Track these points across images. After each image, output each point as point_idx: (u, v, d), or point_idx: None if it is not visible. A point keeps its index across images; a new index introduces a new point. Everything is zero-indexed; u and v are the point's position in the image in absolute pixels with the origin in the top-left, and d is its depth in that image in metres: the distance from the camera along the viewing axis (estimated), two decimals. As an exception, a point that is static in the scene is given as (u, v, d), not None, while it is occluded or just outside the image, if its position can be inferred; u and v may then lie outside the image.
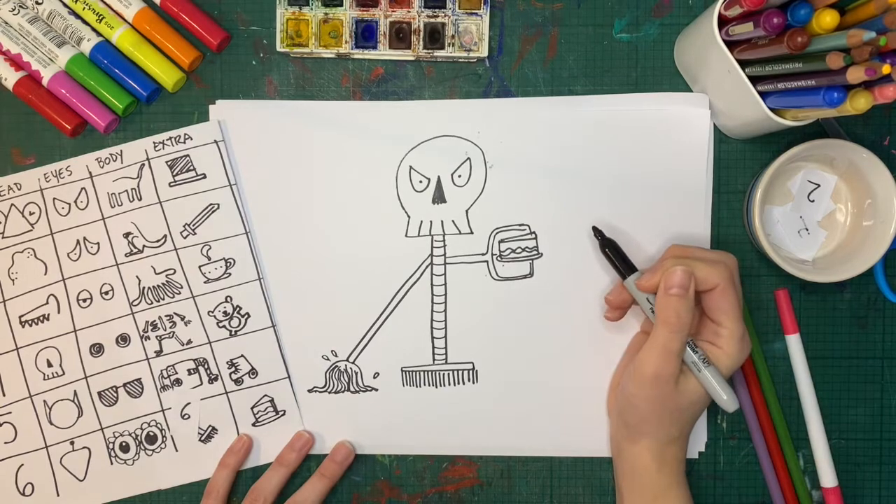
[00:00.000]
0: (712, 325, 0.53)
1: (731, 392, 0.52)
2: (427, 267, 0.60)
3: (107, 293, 0.60)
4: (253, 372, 0.60)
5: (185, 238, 0.59)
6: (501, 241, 0.59)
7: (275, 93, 0.60)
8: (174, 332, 0.60)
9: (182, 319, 0.59)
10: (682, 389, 0.52)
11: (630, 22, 0.59)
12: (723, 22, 0.51)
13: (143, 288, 0.59)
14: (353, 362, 0.60)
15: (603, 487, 0.60)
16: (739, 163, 0.59)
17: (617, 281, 0.57)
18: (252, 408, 0.60)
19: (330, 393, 0.60)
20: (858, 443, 0.60)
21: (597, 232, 0.57)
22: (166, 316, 0.60)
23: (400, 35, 0.58)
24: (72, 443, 0.60)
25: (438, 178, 0.59)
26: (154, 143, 0.60)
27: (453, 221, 0.60)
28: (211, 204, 0.59)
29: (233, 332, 0.60)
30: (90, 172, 0.60)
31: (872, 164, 0.55)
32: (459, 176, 0.59)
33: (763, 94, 0.51)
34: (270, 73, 0.60)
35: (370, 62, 0.60)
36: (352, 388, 0.60)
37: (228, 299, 0.60)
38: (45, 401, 0.60)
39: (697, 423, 0.59)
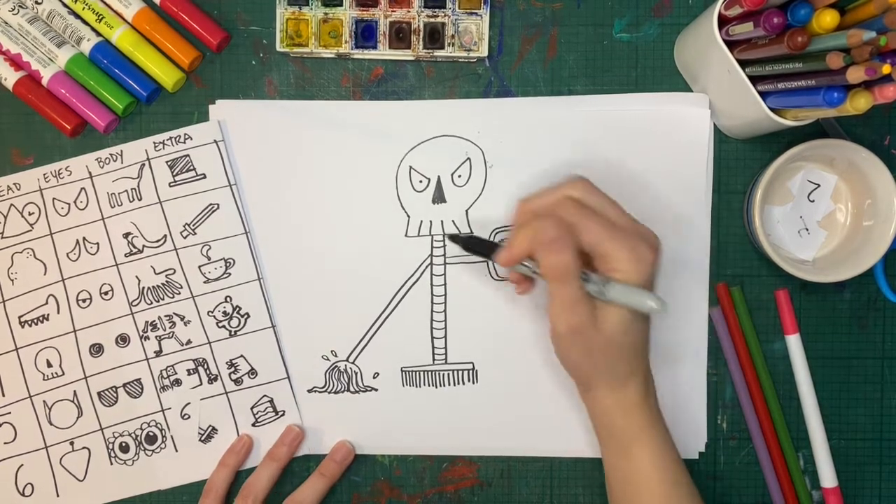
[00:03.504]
0: (599, 255, 0.49)
1: (651, 295, 0.48)
2: (427, 267, 0.60)
3: (106, 293, 0.60)
4: (252, 372, 0.60)
5: (184, 238, 0.59)
6: (501, 241, 0.59)
7: (275, 93, 0.60)
8: (174, 333, 0.60)
9: (182, 319, 0.59)
10: (603, 325, 0.49)
11: (630, 22, 0.59)
12: (723, 22, 0.51)
13: (143, 288, 0.59)
14: (352, 362, 0.60)
15: (603, 488, 0.60)
16: (739, 163, 0.59)
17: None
18: (252, 408, 0.60)
19: (330, 393, 0.60)
20: (858, 443, 0.60)
21: (454, 238, 0.55)
22: (166, 316, 0.59)
23: (400, 35, 0.58)
24: (71, 443, 0.60)
25: (438, 178, 0.59)
26: (154, 143, 0.59)
27: (453, 221, 0.60)
28: (211, 204, 0.59)
29: (232, 333, 0.60)
30: (90, 172, 0.60)
31: (872, 164, 0.55)
32: (459, 176, 0.59)
33: (763, 94, 0.51)
34: (270, 73, 0.60)
35: (370, 62, 0.60)
36: (352, 389, 0.60)
37: (228, 299, 0.60)
38: (44, 401, 0.59)
39: (697, 423, 0.59)
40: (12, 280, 0.60)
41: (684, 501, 0.52)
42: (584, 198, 0.50)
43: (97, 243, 0.60)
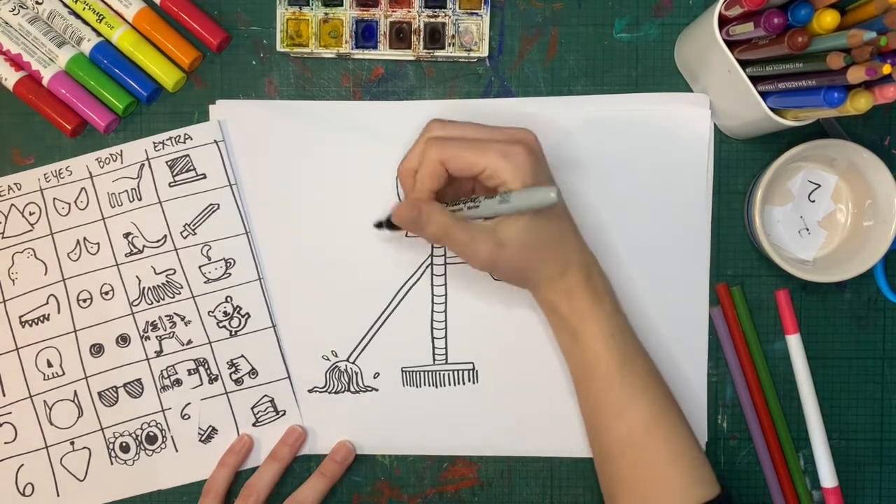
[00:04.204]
0: (479, 174, 0.50)
1: (537, 189, 0.47)
2: (427, 267, 0.60)
3: (107, 293, 0.60)
4: (253, 372, 0.60)
5: (185, 238, 0.59)
6: None
7: (275, 93, 0.60)
8: (174, 333, 0.60)
9: (182, 319, 0.59)
10: (507, 241, 0.49)
11: (630, 22, 0.59)
12: (723, 22, 0.51)
13: (143, 288, 0.59)
14: (353, 362, 0.60)
15: (603, 487, 0.60)
16: (739, 163, 0.59)
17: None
18: (252, 408, 0.60)
19: (330, 393, 0.60)
20: (858, 443, 0.60)
21: (378, 225, 0.56)
22: (166, 316, 0.59)
23: (400, 35, 0.58)
24: (72, 443, 0.60)
25: (438, 178, 0.59)
26: (154, 143, 0.59)
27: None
28: (211, 204, 0.59)
29: (233, 333, 0.60)
30: (90, 172, 0.60)
31: (872, 164, 0.55)
32: (459, 176, 0.59)
33: (763, 94, 0.51)
34: (270, 73, 0.60)
35: (370, 62, 0.60)
36: (352, 389, 0.60)
37: (228, 299, 0.60)
38: (45, 401, 0.60)
39: (697, 423, 0.59)
40: (13, 280, 0.60)
41: (636, 379, 0.52)
42: (443, 132, 0.51)
43: (97, 243, 0.60)
